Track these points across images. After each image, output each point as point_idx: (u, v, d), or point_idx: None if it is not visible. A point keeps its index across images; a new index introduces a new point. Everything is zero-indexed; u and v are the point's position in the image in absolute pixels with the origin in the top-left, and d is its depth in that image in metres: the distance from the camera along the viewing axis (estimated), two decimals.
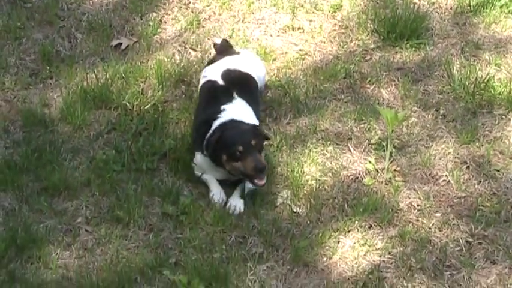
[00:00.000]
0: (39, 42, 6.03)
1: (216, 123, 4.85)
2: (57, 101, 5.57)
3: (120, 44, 6.05)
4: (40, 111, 5.46)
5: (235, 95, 5.06)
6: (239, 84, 5.15)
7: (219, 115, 4.90)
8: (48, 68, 5.82)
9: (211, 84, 5.18)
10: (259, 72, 5.43)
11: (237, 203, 4.71)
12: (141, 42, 6.06)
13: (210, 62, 5.48)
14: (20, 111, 5.45)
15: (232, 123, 4.82)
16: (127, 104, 5.48)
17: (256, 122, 5.00)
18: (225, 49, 5.60)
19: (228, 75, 5.20)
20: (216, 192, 4.81)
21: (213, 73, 5.24)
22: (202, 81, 5.30)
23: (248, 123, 4.82)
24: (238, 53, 5.53)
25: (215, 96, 5.08)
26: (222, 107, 4.95)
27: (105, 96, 5.52)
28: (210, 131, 4.82)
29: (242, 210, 4.67)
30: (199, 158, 4.90)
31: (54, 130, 5.32)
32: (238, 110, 4.96)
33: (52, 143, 5.18)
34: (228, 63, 5.32)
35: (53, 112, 5.47)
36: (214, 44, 5.76)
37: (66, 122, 5.38)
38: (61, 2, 6.19)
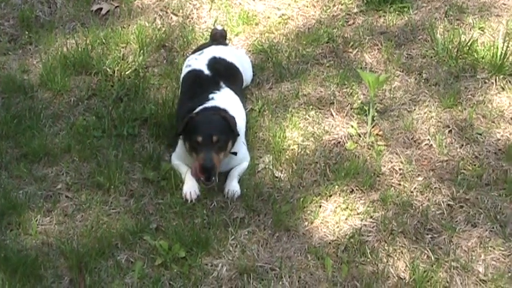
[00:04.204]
0: (18, 7, 5.97)
1: (199, 108, 4.68)
2: (36, 66, 5.53)
3: (101, 9, 6.00)
4: (19, 77, 5.42)
5: (222, 84, 4.91)
6: (225, 73, 5.00)
7: (205, 102, 4.74)
8: (27, 33, 5.78)
9: (196, 74, 5.01)
10: (244, 64, 5.31)
11: (234, 188, 4.61)
12: (122, 7, 6.01)
13: (196, 50, 5.31)
14: None
15: (209, 111, 4.64)
16: (107, 69, 5.44)
17: (243, 112, 4.90)
18: (219, 38, 5.43)
19: (213, 64, 5.04)
20: (189, 187, 4.57)
21: (198, 62, 5.07)
22: (185, 70, 5.10)
23: (226, 115, 4.57)
24: (226, 44, 5.40)
25: (201, 85, 4.91)
26: (210, 95, 4.80)
27: (86, 61, 5.47)
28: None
29: (239, 194, 4.59)
30: (180, 144, 4.71)
31: (34, 96, 5.28)
32: (225, 99, 4.80)
33: (32, 109, 5.15)
34: (213, 51, 5.15)
35: (33, 78, 5.43)
36: (213, 30, 5.58)
37: (46, 88, 5.34)
38: None
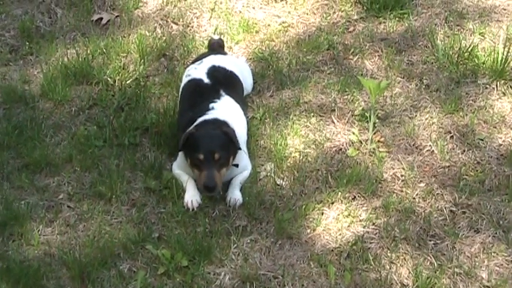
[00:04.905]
0: (19, 18, 5.98)
1: (199, 120, 4.67)
2: (37, 77, 5.54)
3: (101, 18, 6.01)
4: (20, 88, 5.43)
5: (222, 92, 4.90)
6: (225, 81, 5.00)
7: (206, 112, 4.73)
8: (28, 44, 5.79)
9: (196, 83, 4.99)
10: (244, 72, 5.30)
11: (236, 196, 4.60)
12: (122, 17, 6.02)
13: (195, 60, 5.30)
14: (0, 88, 5.42)
15: (209, 124, 4.62)
16: (108, 79, 5.45)
17: (244, 121, 4.90)
18: (217, 48, 5.45)
19: (213, 73, 5.03)
20: (191, 196, 4.57)
21: (197, 72, 5.06)
22: (185, 80, 5.08)
23: (227, 130, 4.56)
24: (225, 53, 5.41)
25: (201, 94, 4.89)
26: (211, 105, 4.78)
27: (86, 71, 5.48)
28: (191, 127, 4.64)
29: (241, 202, 4.58)
30: (180, 154, 4.69)
31: (35, 106, 5.29)
32: (226, 108, 4.80)
33: (33, 119, 5.15)
34: (213, 60, 5.15)
35: (34, 88, 5.44)
36: (210, 39, 5.60)
37: (47, 98, 5.34)
38: None
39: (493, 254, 4.34)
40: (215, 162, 4.47)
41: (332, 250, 4.36)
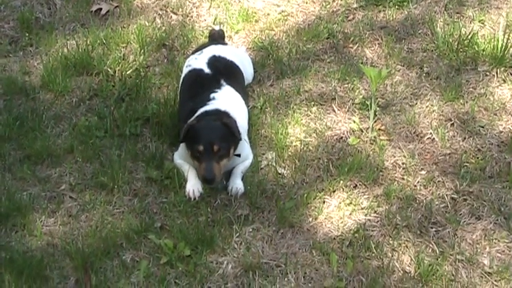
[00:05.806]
0: (18, 9, 5.97)
1: (200, 111, 4.68)
2: (37, 68, 5.53)
3: (100, 9, 6.00)
4: (21, 79, 5.42)
5: (222, 82, 4.89)
6: (225, 71, 4.99)
7: (207, 103, 4.73)
8: (27, 35, 5.78)
9: (196, 73, 4.99)
10: (245, 61, 5.30)
11: (237, 185, 4.60)
12: (122, 7, 6.01)
13: (195, 51, 5.29)
14: (0, 80, 5.41)
15: (210, 116, 4.62)
16: (108, 69, 5.44)
17: (245, 110, 4.90)
18: (217, 38, 5.45)
19: (213, 62, 5.02)
20: (192, 185, 4.58)
21: (198, 62, 5.05)
22: (186, 70, 5.08)
23: (227, 121, 4.56)
24: (225, 44, 5.41)
25: (202, 84, 4.89)
26: (211, 95, 4.78)
27: (86, 62, 5.48)
28: (192, 118, 4.64)
29: (243, 191, 4.59)
30: (182, 145, 4.69)
31: (35, 98, 5.28)
32: (226, 98, 4.79)
33: (34, 110, 5.14)
34: (213, 50, 5.14)
35: (34, 80, 5.43)
36: (211, 30, 5.61)
37: (47, 89, 5.34)
38: None
39: (494, 240, 4.36)
40: (214, 154, 4.47)
41: (334, 238, 4.37)
